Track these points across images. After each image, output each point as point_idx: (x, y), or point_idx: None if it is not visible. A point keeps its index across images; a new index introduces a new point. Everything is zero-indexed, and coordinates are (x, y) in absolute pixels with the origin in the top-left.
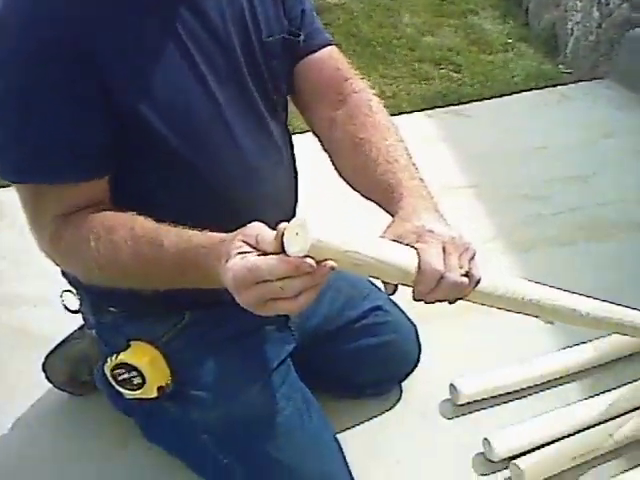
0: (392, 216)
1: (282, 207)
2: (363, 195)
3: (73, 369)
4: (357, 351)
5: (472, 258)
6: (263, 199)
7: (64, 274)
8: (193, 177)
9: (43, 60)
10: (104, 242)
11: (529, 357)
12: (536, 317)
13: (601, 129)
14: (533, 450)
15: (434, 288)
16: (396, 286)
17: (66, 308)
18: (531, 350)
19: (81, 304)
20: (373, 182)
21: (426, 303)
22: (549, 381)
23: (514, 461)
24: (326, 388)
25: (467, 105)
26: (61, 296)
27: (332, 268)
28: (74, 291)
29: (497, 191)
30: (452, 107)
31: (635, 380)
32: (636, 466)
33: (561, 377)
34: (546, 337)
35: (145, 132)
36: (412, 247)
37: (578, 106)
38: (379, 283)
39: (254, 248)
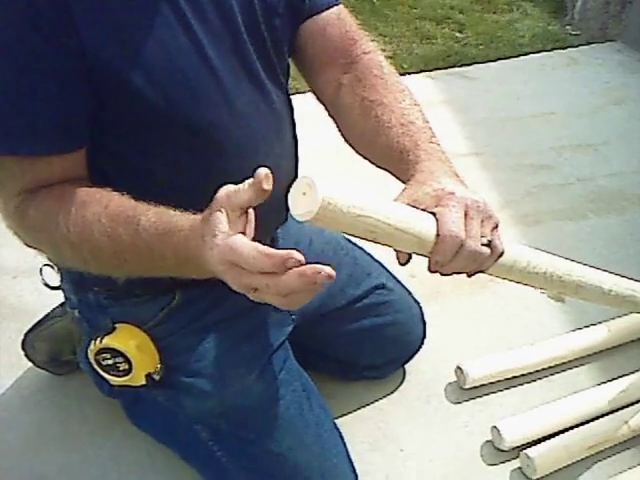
0: (404, 181)
1: (283, 177)
2: (373, 163)
3: (55, 348)
4: (359, 332)
5: (495, 228)
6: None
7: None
8: (188, 148)
9: (10, 19)
10: (74, 218)
11: (538, 338)
12: (555, 294)
13: (612, 95)
14: (544, 439)
15: (453, 257)
16: (410, 256)
17: (46, 285)
18: (540, 330)
19: (62, 281)
20: (386, 147)
21: (442, 275)
22: (560, 364)
23: (524, 451)
24: (325, 370)
25: (471, 67)
26: (40, 271)
27: (329, 277)
28: (54, 266)
29: (503, 159)
30: (455, 69)
31: None
32: None
33: (573, 359)
34: (556, 317)
35: (134, 100)
36: (430, 213)
37: (588, 70)
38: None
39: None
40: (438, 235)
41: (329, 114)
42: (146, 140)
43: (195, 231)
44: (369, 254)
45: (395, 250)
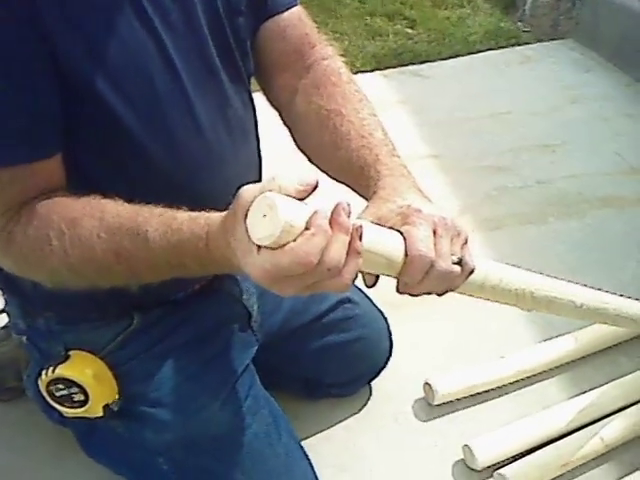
0: (366, 198)
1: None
2: (331, 176)
3: None
4: (325, 349)
5: (465, 244)
6: (225, 181)
7: None
8: (147, 156)
9: None
10: (70, 239)
11: (506, 349)
12: (527, 310)
13: (567, 94)
14: (518, 457)
15: (423, 278)
16: (377, 277)
17: None
18: (508, 342)
19: (7, 304)
20: (345, 161)
21: (411, 296)
22: (529, 377)
23: (499, 471)
24: (289, 389)
25: (424, 65)
26: None
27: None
28: None
29: (460, 161)
30: (408, 67)
31: (622, 376)
32: (632, 472)
33: (542, 372)
34: (523, 327)
35: (94, 103)
36: (396, 231)
37: (542, 68)
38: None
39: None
40: (406, 255)
41: (283, 121)
42: (107, 150)
43: (215, 241)
44: None
45: (360, 272)
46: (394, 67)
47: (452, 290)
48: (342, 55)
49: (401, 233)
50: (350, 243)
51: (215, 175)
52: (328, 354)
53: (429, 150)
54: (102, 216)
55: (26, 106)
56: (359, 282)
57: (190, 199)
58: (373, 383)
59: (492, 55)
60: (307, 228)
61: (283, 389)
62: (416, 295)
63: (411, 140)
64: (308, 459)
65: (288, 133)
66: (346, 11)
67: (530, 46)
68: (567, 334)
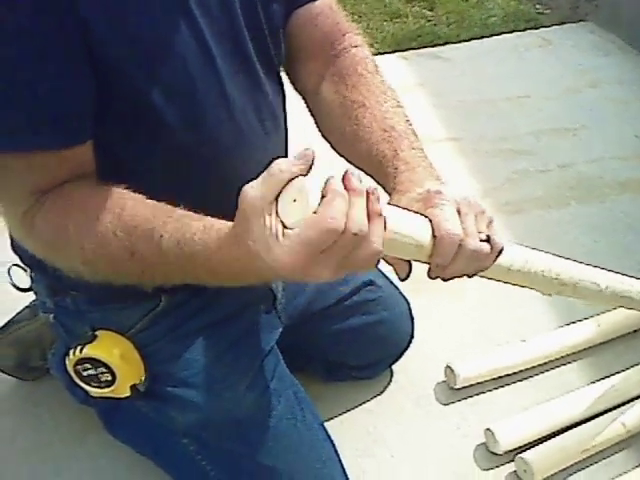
0: (387, 192)
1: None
2: (355, 165)
3: (23, 354)
4: (347, 331)
5: (490, 223)
6: (254, 166)
7: (14, 248)
8: (178, 138)
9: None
10: (87, 233)
11: (527, 334)
12: (550, 294)
13: (586, 77)
14: (539, 441)
15: (454, 258)
16: (410, 269)
17: (15, 286)
18: (530, 326)
19: (34, 282)
20: (365, 153)
21: (444, 280)
22: (551, 361)
23: (521, 455)
24: (311, 372)
25: (444, 47)
26: (9, 272)
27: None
28: (26, 267)
29: (480, 145)
30: (428, 49)
31: None
32: None
33: (564, 356)
34: (545, 312)
35: (127, 89)
36: (421, 215)
37: (561, 51)
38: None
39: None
40: (435, 237)
41: (308, 107)
42: (138, 132)
43: (232, 252)
44: None
45: (390, 264)
46: (413, 49)
47: (482, 271)
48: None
49: (426, 217)
50: (368, 205)
51: (245, 159)
52: (350, 336)
53: (448, 133)
54: (121, 213)
55: (60, 92)
56: (384, 267)
57: (218, 184)
58: (394, 366)
59: (511, 38)
60: (323, 196)
61: (305, 372)
62: (448, 279)
63: (430, 123)
64: (332, 441)
65: (312, 120)
66: None
67: (549, 29)
68: (589, 318)
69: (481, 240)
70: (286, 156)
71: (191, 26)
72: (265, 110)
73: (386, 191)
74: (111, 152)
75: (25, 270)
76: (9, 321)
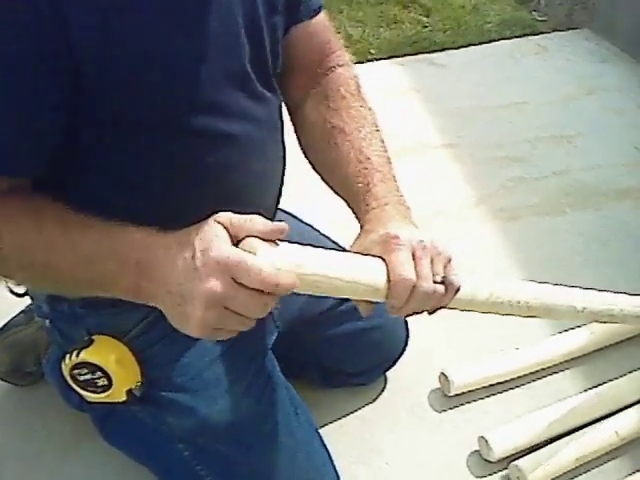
0: (359, 221)
1: (275, 183)
2: (333, 190)
3: (17, 359)
4: (342, 336)
5: (448, 262)
6: (252, 178)
7: None
8: (171, 152)
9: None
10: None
11: (522, 342)
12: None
13: (583, 84)
14: (533, 449)
15: (408, 300)
16: (372, 304)
17: (11, 292)
18: (523, 334)
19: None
20: (341, 182)
21: (405, 317)
22: (544, 369)
23: (515, 462)
24: (306, 378)
25: (440, 53)
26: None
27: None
28: None
29: (476, 151)
30: (424, 55)
31: (637, 369)
32: None
33: (558, 364)
34: (539, 320)
35: (118, 103)
36: (379, 257)
37: (557, 58)
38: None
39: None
40: (389, 280)
41: (290, 118)
42: (128, 147)
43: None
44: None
45: (354, 301)
46: (409, 55)
47: (443, 307)
48: (358, 42)
49: (384, 259)
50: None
51: (242, 170)
52: (345, 342)
53: (444, 139)
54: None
55: (19, 127)
56: None
57: (216, 195)
58: (389, 373)
59: (507, 44)
60: None
61: (299, 378)
62: (407, 316)
63: (426, 129)
64: (326, 448)
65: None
66: None
67: (545, 36)
68: (582, 326)
69: (436, 282)
70: (284, 165)
71: (190, 39)
72: (263, 120)
73: (357, 219)
74: (109, 169)
75: None
76: (4, 326)
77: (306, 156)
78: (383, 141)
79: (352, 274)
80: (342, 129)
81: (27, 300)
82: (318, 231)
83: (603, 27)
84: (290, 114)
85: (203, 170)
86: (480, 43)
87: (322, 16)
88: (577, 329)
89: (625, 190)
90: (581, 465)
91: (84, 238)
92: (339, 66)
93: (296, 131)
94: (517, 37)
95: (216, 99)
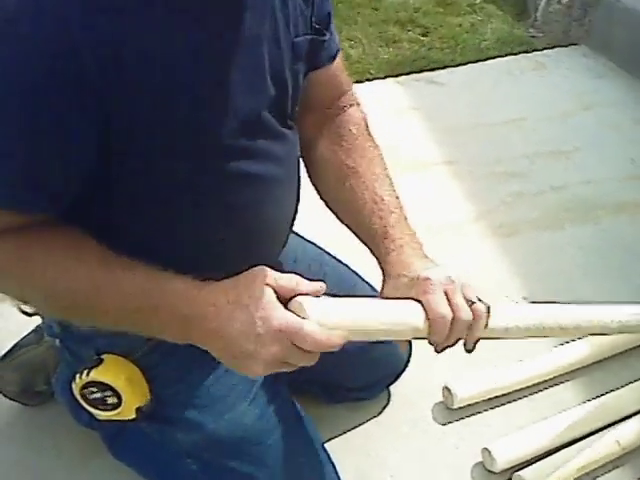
0: (378, 262)
1: (289, 210)
2: (346, 226)
3: (27, 378)
4: (343, 353)
5: (473, 290)
6: (275, 214)
7: None
8: (196, 192)
9: (30, 76)
10: (53, 264)
11: (524, 355)
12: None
13: (580, 100)
14: (536, 460)
15: (448, 334)
16: (410, 342)
17: (22, 311)
18: (525, 347)
19: None
20: (357, 222)
21: (449, 347)
22: (546, 380)
23: (518, 473)
24: (309, 394)
25: (439, 71)
26: None
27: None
28: None
29: (475, 168)
30: (423, 73)
31: (637, 380)
32: None
33: (559, 376)
34: None
35: (145, 137)
36: (414, 299)
37: (555, 74)
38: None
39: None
40: (429, 319)
41: (301, 152)
42: (158, 194)
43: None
44: (354, 271)
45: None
46: (408, 74)
47: (481, 337)
48: (357, 62)
49: (420, 301)
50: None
51: (263, 207)
52: (347, 358)
53: (444, 156)
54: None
55: (43, 166)
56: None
57: (237, 231)
58: (392, 388)
59: (505, 62)
60: None
61: (302, 393)
62: (452, 346)
63: (426, 146)
64: (332, 462)
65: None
66: (360, 18)
67: (542, 52)
68: (582, 338)
69: (471, 304)
70: (298, 194)
71: (219, 82)
72: (284, 158)
73: (374, 256)
74: (133, 203)
75: None
76: (14, 345)
77: (318, 191)
78: (391, 179)
79: (395, 319)
80: (356, 170)
81: (37, 319)
82: (321, 248)
83: (599, 43)
84: (302, 150)
85: (225, 208)
86: (478, 61)
87: (339, 59)
88: (577, 341)
89: (622, 204)
90: (583, 475)
91: (130, 283)
92: (350, 106)
93: (307, 166)
94: (514, 54)
95: (239, 140)
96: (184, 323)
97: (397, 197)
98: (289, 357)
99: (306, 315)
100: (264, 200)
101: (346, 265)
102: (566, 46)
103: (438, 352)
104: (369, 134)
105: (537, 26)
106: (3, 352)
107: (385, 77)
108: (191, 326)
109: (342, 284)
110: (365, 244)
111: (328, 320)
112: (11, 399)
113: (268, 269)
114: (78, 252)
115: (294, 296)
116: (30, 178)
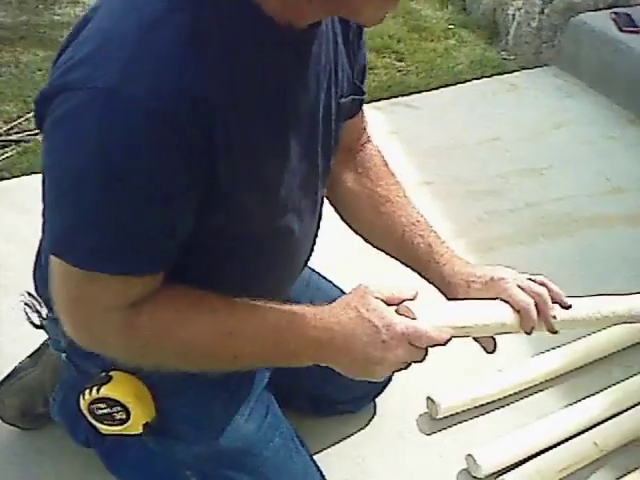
0: (425, 276)
1: (308, 246)
2: (384, 252)
3: (26, 402)
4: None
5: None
6: (298, 262)
7: (38, 290)
8: (260, 249)
9: (147, 145)
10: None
11: (503, 364)
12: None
13: (552, 119)
14: (519, 464)
15: (538, 318)
16: (495, 344)
17: (30, 322)
18: (504, 357)
19: (47, 320)
20: (399, 245)
21: (553, 333)
22: (526, 388)
23: (502, 477)
24: (296, 406)
25: (415, 96)
26: (25, 307)
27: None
28: (39, 302)
29: (452, 187)
30: (399, 98)
31: (611, 385)
32: (625, 474)
33: (539, 383)
34: (519, 343)
35: (235, 215)
36: (494, 299)
37: (527, 95)
38: None
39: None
40: (519, 311)
41: (328, 194)
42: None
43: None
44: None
45: (477, 340)
46: (385, 99)
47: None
48: None
49: (502, 299)
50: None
51: (292, 256)
52: (335, 371)
53: (422, 177)
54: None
55: (159, 230)
56: None
57: (274, 278)
58: (378, 400)
59: (479, 84)
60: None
61: (289, 406)
62: (553, 331)
63: (405, 169)
64: (322, 473)
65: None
66: None
67: (515, 74)
68: (561, 346)
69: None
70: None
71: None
72: (316, 217)
73: (423, 277)
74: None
75: (41, 305)
76: (12, 371)
77: (351, 226)
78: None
79: (489, 317)
80: (388, 197)
81: (34, 345)
82: (318, 273)
83: (569, 64)
84: (330, 190)
85: (263, 261)
86: (453, 84)
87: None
88: (553, 351)
89: (595, 217)
90: (565, 477)
91: (262, 324)
92: (368, 142)
93: (336, 205)
94: (488, 77)
95: (296, 202)
96: (316, 346)
97: (422, 216)
98: (409, 356)
99: (416, 317)
100: (294, 251)
101: (330, 281)
102: (537, 67)
103: (528, 333)
104: (387, 164)
105: (509, 49)
106: (1, 378)
107: None
108: (322, 347)
109: (331, 290)
110: (407, 265)
111: (435, 320)
112: (11, 424)
113: (366, 285)
114: (205, 305)
115: (398, 303)
116: (151, 241)
